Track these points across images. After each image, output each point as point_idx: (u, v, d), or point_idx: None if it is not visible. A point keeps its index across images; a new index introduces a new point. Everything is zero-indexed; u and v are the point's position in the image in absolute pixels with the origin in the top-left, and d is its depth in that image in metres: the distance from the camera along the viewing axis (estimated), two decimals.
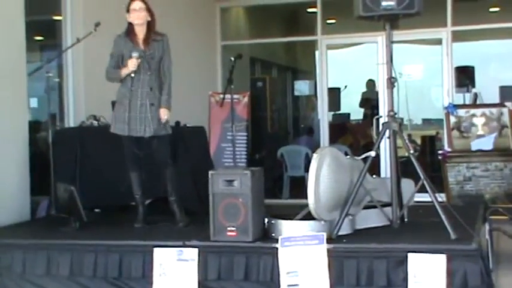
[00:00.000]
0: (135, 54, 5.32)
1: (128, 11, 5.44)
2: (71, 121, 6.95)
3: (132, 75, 5.33)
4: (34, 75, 6.34)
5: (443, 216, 4.59)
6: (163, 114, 5.39)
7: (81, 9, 6.97)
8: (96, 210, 6.15)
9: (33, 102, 7.02)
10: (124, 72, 5.36)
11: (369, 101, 11.59)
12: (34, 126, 7.07)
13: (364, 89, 12.19)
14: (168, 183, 5.47)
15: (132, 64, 5.32)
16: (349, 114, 12.80)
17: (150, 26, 5.46)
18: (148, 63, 5.37)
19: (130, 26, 5.44)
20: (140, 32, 5.44)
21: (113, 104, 6.21)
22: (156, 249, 4.56)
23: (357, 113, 12.82)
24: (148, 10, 5.44)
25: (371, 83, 11.81)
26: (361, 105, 12.27)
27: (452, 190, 8.32)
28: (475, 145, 8.50)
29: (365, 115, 12.07)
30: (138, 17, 5.39)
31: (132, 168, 5.49)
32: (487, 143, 8.48)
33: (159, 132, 5.38)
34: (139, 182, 5.50)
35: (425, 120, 13.14)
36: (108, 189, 5.94)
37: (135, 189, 5.50)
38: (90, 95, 6.95)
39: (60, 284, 4.73)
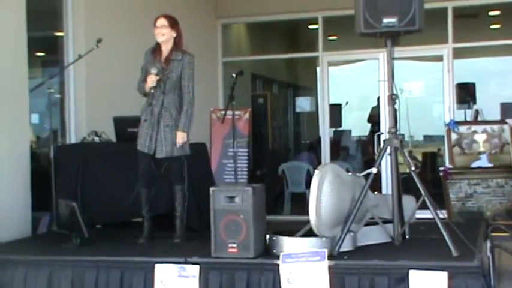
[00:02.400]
0: (153, 71, 5.28)
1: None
2: (72, 137, 6.96)
3: (152, 90, 5.32)
4: (36, 91, 6.35)
5: (444, 233, 4.58)
6: (179, 138, 5.32)
7: (83, 25, 7.00)
8: (98, 226, 6.13)
9: (35, 118, 7.03)
10: (146, 87, 5.35)
11: (376, 117, 11.54)
12: (36, 142, 7.09)
13: (375, 104, 12.13)
14: (178, 199, 5.45)
15: (150, 80, 5.30)
16: (350, 130, 12.79)
17: (175, 42, 5.41)
18: (164, 83, 5.34)
19: (158, 42, 5.43)
20: (165, 49, 5.40)
21: (115, 120, 6.24)
22: (157, 266, 4.55)
23: (358, 130, 12.83)
24: (172, 26, 5.38)
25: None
26: (369, 120, 12.22)
27: (453, 207, 8.30)
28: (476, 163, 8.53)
29: (371, 131, 12.01)
30: (159, 34, 5.35)
31: (143, 185, 5.45)
32: (483, 161, 8.50)
33: (172, 154, 5.34)
34: (148, 198, 5.46)
35: (426, 137, 13.14)
36: (110, 205, 5.93)
37: (144, 205, 5.47)
38: (92, 111, 6.97)
39: None
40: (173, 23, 5.41)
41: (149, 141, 5.35)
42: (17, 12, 6.08)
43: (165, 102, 5.35)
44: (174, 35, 5.40)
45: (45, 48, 7.65)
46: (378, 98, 11.50)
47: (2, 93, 5.81)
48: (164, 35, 5.37)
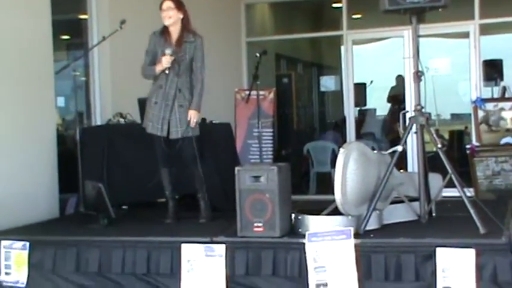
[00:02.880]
0: (168, 51, 5.28)
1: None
2: (97, 119, 7.01)
3: (167, 71, 5.32)
4: (61, 75, 6.39)
5: (472, 211, 4.55)
6: (193, 116, 5.36)
7: (107, 7, 7.02)
8: (124, 207, 6.18)
9: (61, 101, 7.08)
10: (158, 69, 5.35)
11: (397, 97, 11.49)
12: (62, 125, 7.15)
13: (394, 84, 12.09)
14: (196, 180, 5.48)
15: (165, 61, 5.29)
16: (375, 109, 12.71)
17: (183, 24, 5.41)
18: (178, 65, 5.35)
19: (165, 25, 5.41)
20: (174, 32, 5.41)
21: (139, 101, 6.26)
22: (183, 245, 4.58)
23: (383, 109, 12.74)
24: (179, 8, 5.38)
25: (400, 79, 11.71)
26: (389, 100, 12.18)
27: (481, 185, 8.23)
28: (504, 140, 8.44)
29: (391, 111, 11.97)
30: (166, 17, 5.35)
31: (162, 165, 5.50)
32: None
33: (185, 134, 5.37)
34: (170, 178, 5.51)
35: (453, 115, 13.01)
36: (136, 186, 5.98)
37: (166, 185, 5.52)
38: (117, 92, 7.00)
39: (90, 280, 4.78)
40: (179, 5, 5.40)
41: (162, 124, 5.36)
42: None
43: (179, 84, 5.37)
44: (181, 16, 5.40)
45: (70, 31, 7.68)
46: (397, 77, 11.47)
47: (28, 76, 5.87)
48: (171, 18, 5.36)
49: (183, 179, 5.62)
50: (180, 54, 5.36)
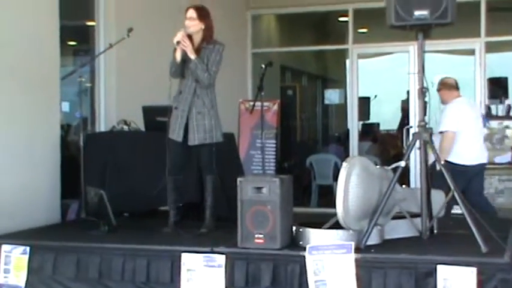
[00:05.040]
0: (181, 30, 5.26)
1: None
2: (101, 125, 7.02)
3: (180, 48, 5.24)
4: (67, 80, 6.41)
5: (474, 229, 4.52)
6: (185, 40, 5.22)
7: (114, 14, 7.05)
8: (125, 214, 6.18)
9: (65, 106, 7.09)
10: (177, 55, 5.30)
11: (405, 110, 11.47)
12: (66, 130, 7.16)
13: (404, 97, 12.06)
14: (207, 189, 5.44)
15: (176, 37, 5.23)
16: (378, 123, 12.73)
17: (204, 34, 5.37)
18: None
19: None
20: (196, 39, 5.37)
21: (144, 109, 6.28)
22: (183, 255, 4.56)
23: (386, 123, 12.75)
24: (201, 18, 5.34)
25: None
26: (401, 110, 12.14)
27: None
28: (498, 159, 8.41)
29: (401, 121, 11.93)
30: (187, 26, 5.32)
31: (170, 173, 5.45)
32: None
33: (204, 141, 5.34)
34: (175, 187, 5.45)
35: None
36: (137, 194, 5.97)
37: (170, 194, 5.46)
38: (121, 100, 7.02)
39: (89, 286, 4.76)
40: (201, 15, 5.36)
41: (178, 129, 5.35)
42: (50, 1, 6.14)
43: (197, 90, 5.35)
44: (202, 27, 5.36)
45: (77, 37, 7.70)
46: (408, 92, 11.43)
47: (34, 80, 5.88)
48: (191, 27, 5.33)
49: (187, 187, 5.61)
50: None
